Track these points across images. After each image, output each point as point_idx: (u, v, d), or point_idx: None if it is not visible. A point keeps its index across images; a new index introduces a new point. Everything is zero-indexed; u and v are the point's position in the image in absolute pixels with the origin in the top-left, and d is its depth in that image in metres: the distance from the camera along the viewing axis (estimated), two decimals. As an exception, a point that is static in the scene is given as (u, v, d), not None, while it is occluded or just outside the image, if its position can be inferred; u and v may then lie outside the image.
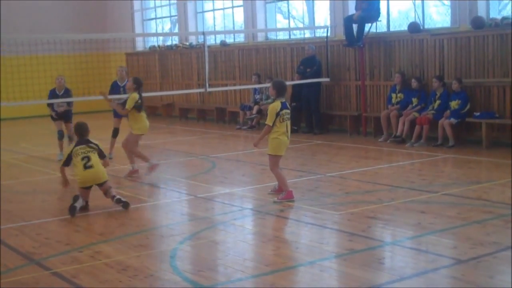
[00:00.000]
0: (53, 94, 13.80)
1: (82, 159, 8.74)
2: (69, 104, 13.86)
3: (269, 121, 8.88)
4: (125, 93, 12.63)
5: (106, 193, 8.88)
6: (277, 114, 8.81)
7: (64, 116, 13.77)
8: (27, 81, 17.91)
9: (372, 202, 8.68)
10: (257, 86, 17.80)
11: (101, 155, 8.98)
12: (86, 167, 8.72)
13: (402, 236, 7.16)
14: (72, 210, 8.50)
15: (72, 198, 8.74)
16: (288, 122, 8.99)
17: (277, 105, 8.85)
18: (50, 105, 13.80)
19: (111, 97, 12.32)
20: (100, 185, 8.87)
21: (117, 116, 12.73)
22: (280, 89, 8.96)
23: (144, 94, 11.41)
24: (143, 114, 11.16)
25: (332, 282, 5.80)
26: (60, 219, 8.52)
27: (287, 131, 8.96)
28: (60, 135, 13.61)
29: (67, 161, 8.88)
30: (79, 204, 8.61)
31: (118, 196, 8.80)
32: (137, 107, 10.98)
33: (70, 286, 5.90)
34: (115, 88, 13.36)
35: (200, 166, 12.15)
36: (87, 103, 19.02)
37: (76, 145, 8.92)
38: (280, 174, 9.11)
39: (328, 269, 6.13)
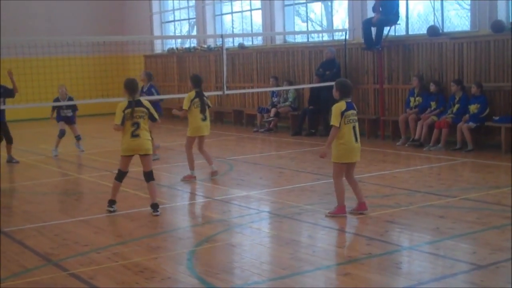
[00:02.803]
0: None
1: (132, 125, 8.45)
2: (73, 111, 14.63)
3: (334, 122, 7.96)
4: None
5: (148, 179, 8.67)
6: (342, 115, 7.98)
7: (67, 119, 14.64)
8: (46, 82, 18.04)
9: (390, 206, 8.63)
10: (274, 89, 17.80)
11: (152, 118, 8.63)
12: (133, 135, 8.47)
13: (420, 241, 7.11)
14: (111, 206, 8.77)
15: (108, 202, 8.81)
16: (356, 125, 8.12)
17: (341, 104, 7.99)
18: (55, 110, 14.62)
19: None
20: (143, 156, 8.60)
21: None
22: (343, 89, 8.09)
23: (162, 96, 11.42)
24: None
25: (349, 287, 5.77)
26: (78, 220, 8.55)
27: (355, 135, 8.09)
28: (62, 134, 14.34)
29: (123, 121, 8.41)
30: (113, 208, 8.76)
31: (156, 203, 8.69)
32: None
33: (87, 287, 5.93)
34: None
35: (218, 169, 12.15)
36: (103, 105, 19.23)
37: (129, 106, 8.48)
38: (340, 186, 8.15)
39: (345, 273, 6.10)
